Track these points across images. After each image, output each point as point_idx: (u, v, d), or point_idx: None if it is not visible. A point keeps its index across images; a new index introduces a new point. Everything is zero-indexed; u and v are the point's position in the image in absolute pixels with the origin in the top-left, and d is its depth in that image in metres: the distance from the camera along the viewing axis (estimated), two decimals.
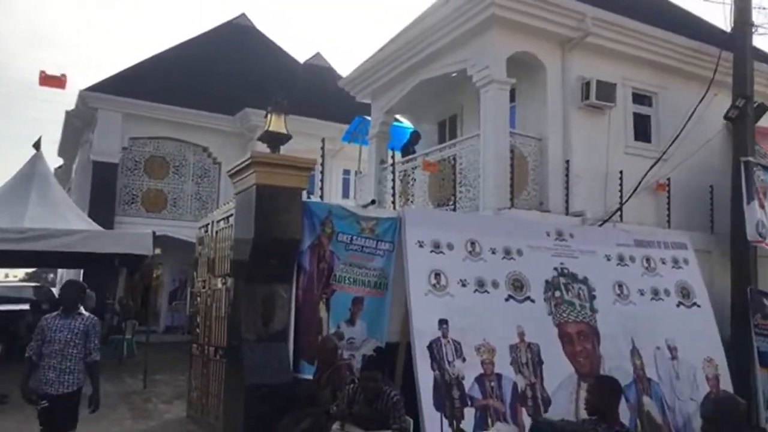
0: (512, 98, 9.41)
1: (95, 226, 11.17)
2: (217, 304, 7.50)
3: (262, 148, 7.10)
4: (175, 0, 67.78)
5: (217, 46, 21.40)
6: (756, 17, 9.70)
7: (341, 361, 5.90)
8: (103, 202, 17.20)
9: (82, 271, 17.77)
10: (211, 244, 8.01)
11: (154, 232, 10.12)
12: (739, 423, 2.92)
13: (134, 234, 10.76)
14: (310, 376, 6.38)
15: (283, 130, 6.74)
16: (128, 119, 17.89)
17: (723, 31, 10.64)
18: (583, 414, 7.25)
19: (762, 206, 9.26)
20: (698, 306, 8.62)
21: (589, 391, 4.19)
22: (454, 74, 9.91)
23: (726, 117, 9.58)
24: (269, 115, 6.78)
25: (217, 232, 7.81)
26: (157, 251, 11.13)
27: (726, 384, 8.21)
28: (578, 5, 8.93)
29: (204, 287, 8.20)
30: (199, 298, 8.43)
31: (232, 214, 7.17)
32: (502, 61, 8.76)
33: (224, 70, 20.16)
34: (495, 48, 8.77)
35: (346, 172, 19.18)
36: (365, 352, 6.69)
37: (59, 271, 30.06)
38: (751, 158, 9.30)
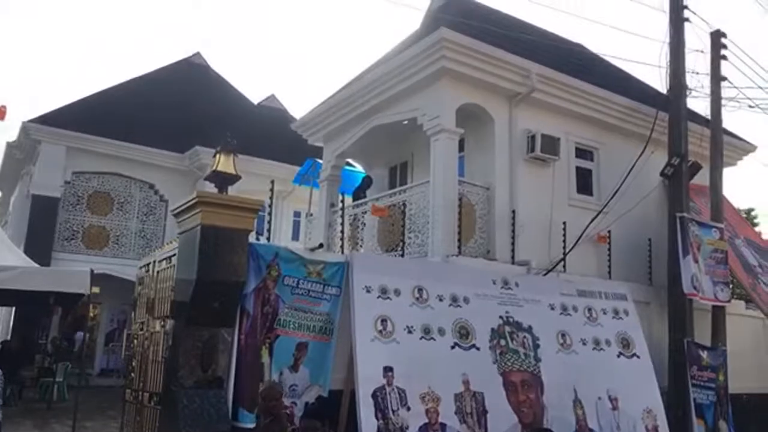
0: (461, 148, 9.65)
1: (30, 263, 10.70)
2: (155, 348, 7.21)
3: (211, 187, 7.01)
4: (126, 36, 66.98)
5: (169, 83, 21.25)
6: (689, 81, 10.30)
7: (282, 410, 5.72)
8: (40, 237, 16.60)
9: (13, 309, 16.93)
10: (151, 285, 7.75)
11: (92, 270, 9.74)
12: None
13: (71, 271, 10.35)
14: (248, 425, 6.17)
15: (232, 171, 6.67)
16: (72, 153, 17.46)
17: (660, 93, 11.24)
18: None
19: (696, 260, 9.64)
20: (638, 357, 8.81)
21: None
22: (405, 122, 10.09)
23: (662, 174, 10.02)
24: (218, 155, 6.71)
25: (158, 272, 7.57)
26: (96, 290, 10.66)
27: None
28: (524, 62, 9.29)
29: (142, 329, 7.89)
30: (135, 341, 8.09)
31: (174, 254, 6.97)
32: (451, 112, 8.98)
33: (175, 108, 19.98)
34: (445, 99, 9.00)
35: (297, 213, 19.07)
36: (308, 399, 6.54)
37: None
38: (686, 214, 9.71)
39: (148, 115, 19.05)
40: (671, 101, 10.09)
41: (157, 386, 6.87)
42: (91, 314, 12.72)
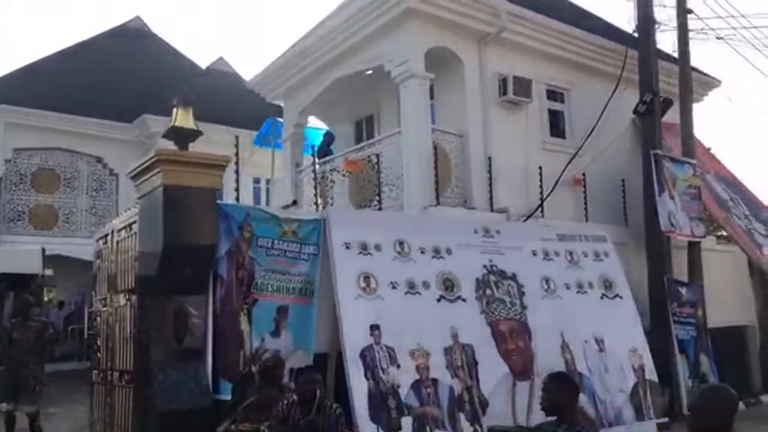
0: (431, 95, 9.22)
1: None
2: (121, 324, 6.68)
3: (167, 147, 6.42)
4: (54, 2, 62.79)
5: (109, 50, 19.98)
6: (658, 15, 10.07)
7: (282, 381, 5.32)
8: None
9: None
10: (111, 257, 7.17)
11: (43, 249, 9.05)
12: (731, 415, 2.69)
13: (20, 252, 9.66)
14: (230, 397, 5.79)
15: (192, 126, 6.10)
16: (11, 129, 16.28)
17: (625, 31, 10.99)
18: (520, 415, 7.16)
19: (672, 197, 9.57)
20: (620, 297, 8.69)
21: (545, 389, 3.89)
22: (369, 72, 9.60)
23: (635, 112, 9.83)
24: (175, 110, 6.12)
25: (118, 242, 6.99)
26: (49, 272, 9.99)
27: (651, 373, 8.33)
28: (493, 0, 8.87)
29: (104, 306, 7.33)
30: (98, 318, 7.53)
31: (135, 221, 6.41)
32: (420, 56, 8.55)
33: (118, 76, 18.79)
34: (412, 42, 8.55)
35: (257, 180, 18.41)
36: (293, 365, 6.15)
37: None
38: (659, 151, 9.58)
39: (88, 85, 17.87)
40: (640, 33, 9.84)
41: (128, 364, 6.38)
42: (47, 298, 11.95)
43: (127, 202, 12.83)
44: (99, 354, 7.36)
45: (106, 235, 7.44)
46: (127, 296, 6.59)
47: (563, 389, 3.82)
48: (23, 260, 9.12)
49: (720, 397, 2.73)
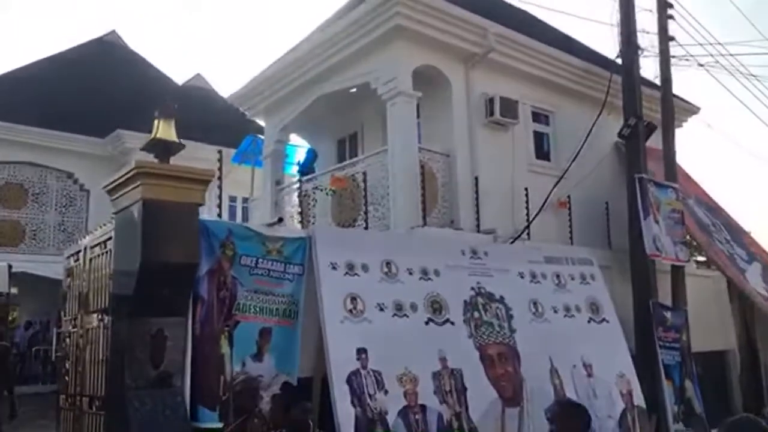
0: (416, 114, 9.09)
1: None
2: (93, 346, 6.31)
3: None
4: (32, 14, 61.59)
5: (83, 64, 19.53)
6: (640, 41, 10.12)
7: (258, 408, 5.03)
8: None
9: None
10: (83, 275, 6.80)
11: (10, 266, 8.59)
12: None
13: None
14: (210, 425, 5.47)
15: (174, 138, 5.83)
16: None
17: (608, 58, 11.04)
18: None
19: (656, 221, 9.53)
20: (607, 321, 8.58)
21: (554, 419, 3.68)
22: (353, 90, 9.46)
23: (620, 135, 9.82)
24: (157, 121, 5.85)
25: (90, 260, 6.64)
26: (14, 290, 9.49)
27: (639, 399, 8.19)
28: (481, 20, 8.85)
29: (74, 327, 6.93)
30: (68, 340, 7.13)
31: (110, 238, 6.08)
32: (408, 73, 8.44)
33: (93, 90, 18.36)
34: (400, 59, 8.44)
35: (233, 199, 17.95)
36: (276, 391, 5.87)
37: None
38: (644, 175, 9.56)
39: (62, 99, 17.39)
40: (624, 59, 9.86)
41: (99, 389, 6.01)
42: (11, 317, 11.35)
43: (98, 219, 12.42)
44: (67, 378, 6.95)
45: (78, 252, 7.07)
46: (99, 317, 6.23)
47: (573, 421, 3.61)
48: None
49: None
